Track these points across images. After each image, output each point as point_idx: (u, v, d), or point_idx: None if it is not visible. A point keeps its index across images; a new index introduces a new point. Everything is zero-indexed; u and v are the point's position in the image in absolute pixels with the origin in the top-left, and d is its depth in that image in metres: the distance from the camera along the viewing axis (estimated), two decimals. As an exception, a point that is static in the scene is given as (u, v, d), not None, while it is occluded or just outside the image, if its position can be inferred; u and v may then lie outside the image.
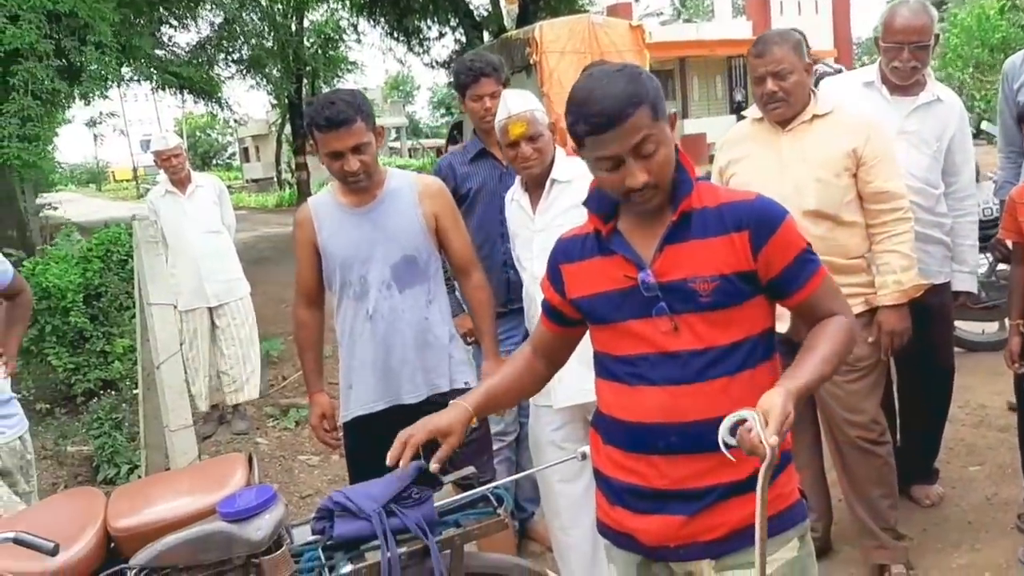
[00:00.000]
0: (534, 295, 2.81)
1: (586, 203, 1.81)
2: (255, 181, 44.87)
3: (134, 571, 1.98)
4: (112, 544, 2.27)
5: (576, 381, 2.66)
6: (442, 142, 19.49)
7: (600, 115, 1.58)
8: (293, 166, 32.98)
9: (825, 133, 2.97)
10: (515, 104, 2.87)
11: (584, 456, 2.27)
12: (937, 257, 3.35)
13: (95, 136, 19.21)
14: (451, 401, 1.99)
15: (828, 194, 2.93)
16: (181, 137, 6.44)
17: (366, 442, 2.88)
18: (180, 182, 5.70)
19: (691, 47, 21.33)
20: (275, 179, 40.78)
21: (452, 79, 3.72)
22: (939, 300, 3.36)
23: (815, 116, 2.99)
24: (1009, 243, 3.27)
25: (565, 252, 1.85)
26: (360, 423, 2.93)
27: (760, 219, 1.67)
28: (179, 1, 12.25)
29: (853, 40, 30.06)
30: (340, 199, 2.91)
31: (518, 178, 3.01)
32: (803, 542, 1.76)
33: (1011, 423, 3.86)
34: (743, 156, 3.12)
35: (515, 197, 3.03)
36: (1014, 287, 3.22)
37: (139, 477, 4.75)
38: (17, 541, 1.91)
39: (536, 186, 2.93)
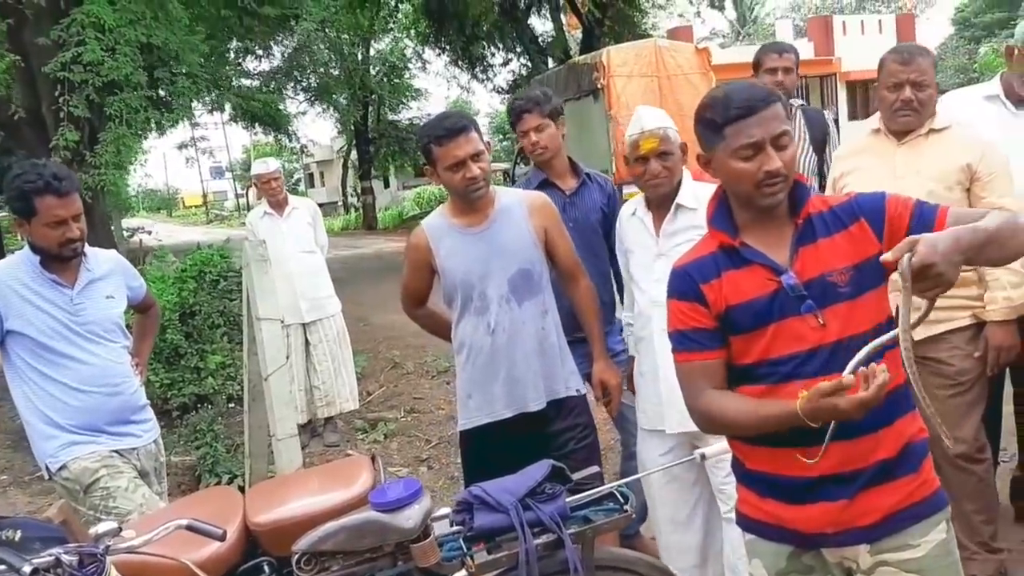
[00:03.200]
0: (651, 316, 2.89)
1: (711, 222, 1.94)
2: (320, 205, 45.60)
3: (295, 557, 2.13)
4: (251, 539, 2.44)
5: (682, 406, 2.78)
6: (506, 166, 19.72)
7: (748, 100, 1.77)
8: (359, 190, 33.61)
9: (940, 147, 3.01)
10: (649, 120, 2.92)
11: (704, 457, 2.39)
12: None
13: (187, 159, 19.92)
14: None
15: None
16: (278, 162, 6.70)
17: (485, 450, 3.03)
18: (278, 204, 5.96)
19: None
20: (340, 203, 41.54)
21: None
22: None
23: (931, 130, 3.04)
24: None
25: (700, 273, 1.90)
26: (478, 432, 3.06)
27: (868, 207, 1.87)
28: (260, 34, 12.65)
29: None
30: (453, 220, 3.05)
31: (640, 195, 3.05)
32: (949, 525, 1.88)
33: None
34: (857, 168, 3.18)
35: (637, 212, 3.05)
36: None
37: (239, 486, 4.95)
38: (190, 528, 2.07)
39: (659, 206, 2.96)
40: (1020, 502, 3.65)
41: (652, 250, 2.96)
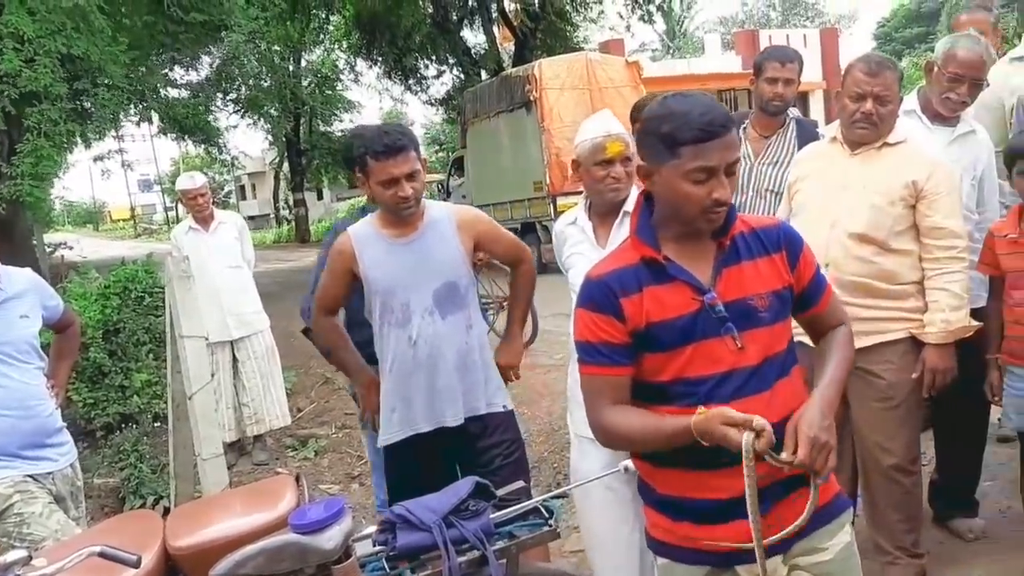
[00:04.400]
0: None
1: (637, 233, 1.88)
2: (251, 218, 45.04)
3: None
4: (171, 564, 2.38)
5: None
6: (440, 177, 19.71)
7: (712, 124, 1.70)
8: (291, 202, 33.21)
9: (890, 162, 3.01)
10: (615, 124, 2.87)
11: (627, 470, 2.40)
12: (975, 282, 3.27)
13: (103, 171, 19.38)
14: None
15: (878, 220, 2.98)
16: (206, 176, 6.59)
17: (406, 464, 3.02)
18: (204, 220, 5.85)
19: (684, 82, 21.58)
20: (272, 216, 41.00)
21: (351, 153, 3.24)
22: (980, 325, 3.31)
23: (885, 144, 3.04)
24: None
25: (621, 285, 1.83)
26: (400, 446, 3.04)
27: (790, 240, 1.90)
28: (186, 43, 12.41)
29: (841, 73, 30.44)
30: (382, 230, 3.03)
31: (581, 203, 3.02)
32: (852, 527, 1.95)
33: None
34: (810, 174, 3.19)
35: (578, 221, 2.98)
36: (991, 321, 3.22)
37: (164, 508, 4.84)
38: (102, 555, 2.01)
39: (605, 214, 2.90)
40: (937, 504, 3.76)
41: (595, 259, 2.89)
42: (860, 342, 2.69)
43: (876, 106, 2.95)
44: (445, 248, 3.02)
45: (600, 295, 1.85)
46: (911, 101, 3.47)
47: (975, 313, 3.15)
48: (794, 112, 4.01)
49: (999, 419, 3.50)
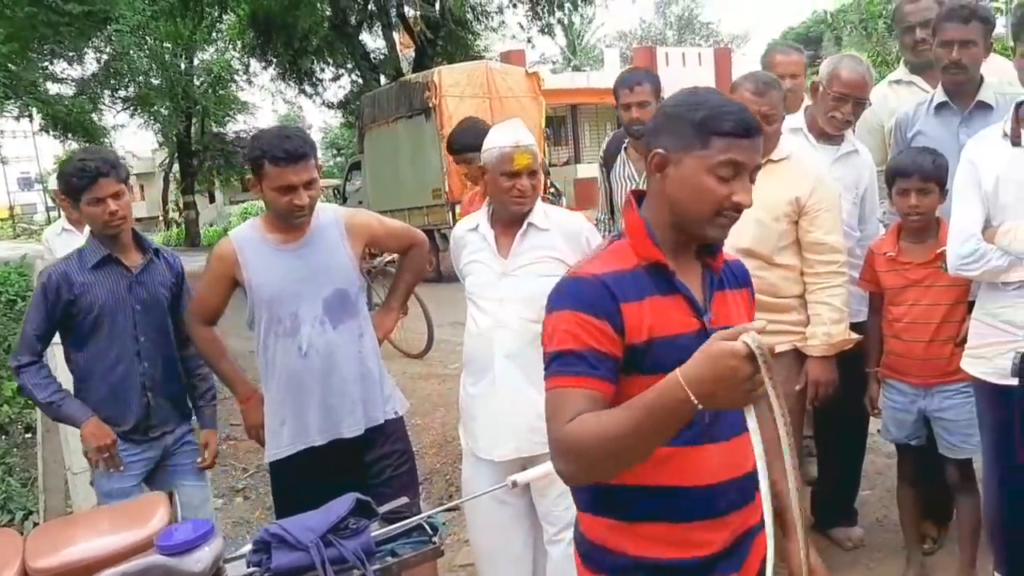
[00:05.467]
0: (491, 338, 2.78)
1: (644, 234, 1.64)
2: (139, 220, 43.44)
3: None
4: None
5: (519, 433, 2.73)
6: (337, 182, 19.39)
7: (749, 122, 1.57)
8: (181, 205, 32.22)
9: (774, 178, 3.04)
10: (525, 135, 2.80)
11: (515, 484, 2.36)
12: (856, 297, 3.39)
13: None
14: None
15: (763, 236, 3.04)
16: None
17: (296, 479, 2.90)
18: (78, 220, 5.54)
19: (583, 95, 21.92)
20: (161, 219, 39.68)
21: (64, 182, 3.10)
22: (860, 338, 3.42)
23: (769, 161, 3.08)
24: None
25: (621, 289, 1.57)
26: (289, 461, 2.93)
27: (748, 278, 1.85)
28: (68, 35, 11.88)
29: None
30: (268, 235, 2.91)
31: (483, 209, 2.95)
32: None
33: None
34: None
35: (480, 228, 2.89)
36: (871, 336, 3.33)
37: (34, 524, 4.56)
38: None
39: (507, 224, 2.84)
40: (819, 513, 3.85)
41: (496, 269, 2.83)
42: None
43: (763, 125, 3.00)
44: (334, 254, 2.93)
45: (597, 296, 1.55)
46: (798, 120, 3.57)
47: (855, 327, 3.25)
48: None
49: (878, 431, 3.62)
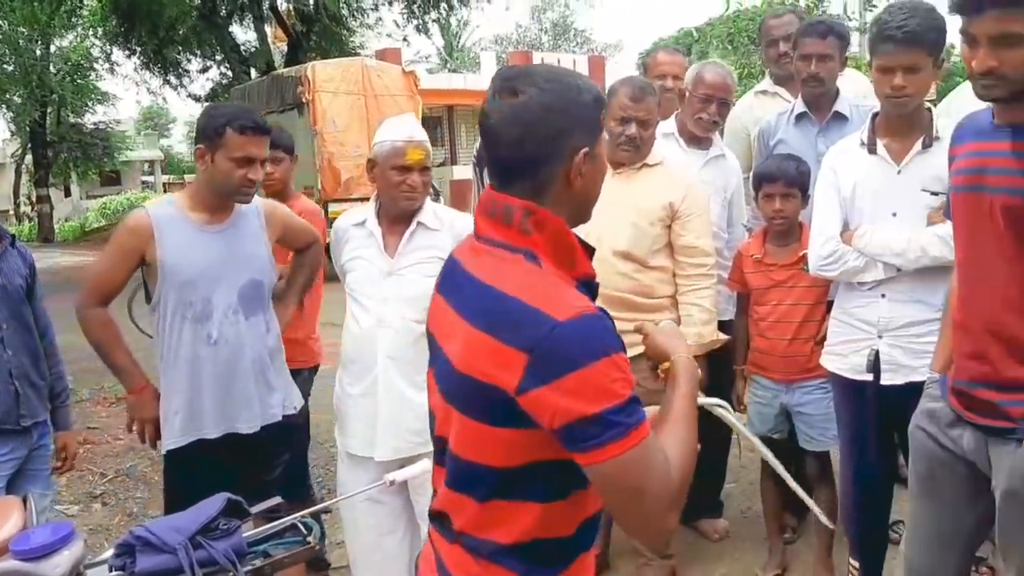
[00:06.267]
0: (374, 336, 2.74)
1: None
2: (-13, 214, 40.89)
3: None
4: None
5: (399, 434, 2.72)
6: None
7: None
8: (34, 199, 30.46)
9: (649, 183, 3.17)
10: (418, 130, 2.77)
11: (392, 483, 2.33)
12: (724, 296, 3.56)
13: None
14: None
15: (639, 239, 3.13)
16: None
17: (190, 474, 2.79)
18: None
19: (459, 96, 21.94)
20: (12, 212, 37.38)
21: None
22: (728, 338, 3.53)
23: (644, 165, 3.19)
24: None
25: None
26: (181, 453, 2.82)
27: None
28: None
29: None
30: (189, 214, 2.80)
31: (371, 205, 2.88)
32: None
33: (758, 444, 4.28)
34: None
35: (367, 223, 2.83)
36: (738, 334, 3.49)
37: None
38: None
39: (395, 222, 2.79)
40: (688, 506, 3.95)
41: (381, 267, 2.78)
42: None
43: (639, 130, 3.12)
44: (255, 243, 2.86)
45: (611, 328, 1.36)
46: (670, 125, 3.68)
47: (722, 326, 3.38)
48: None
49: (744, 424, 3.76)
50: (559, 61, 29.49)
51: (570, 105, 1.41)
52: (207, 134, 2.72)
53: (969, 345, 2.14)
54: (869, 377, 2.81)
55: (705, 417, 3.80)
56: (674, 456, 1.36)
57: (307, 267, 3.25)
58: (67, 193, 38.48)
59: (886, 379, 2.78)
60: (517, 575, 1.42)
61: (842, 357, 2.92)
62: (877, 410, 2.84)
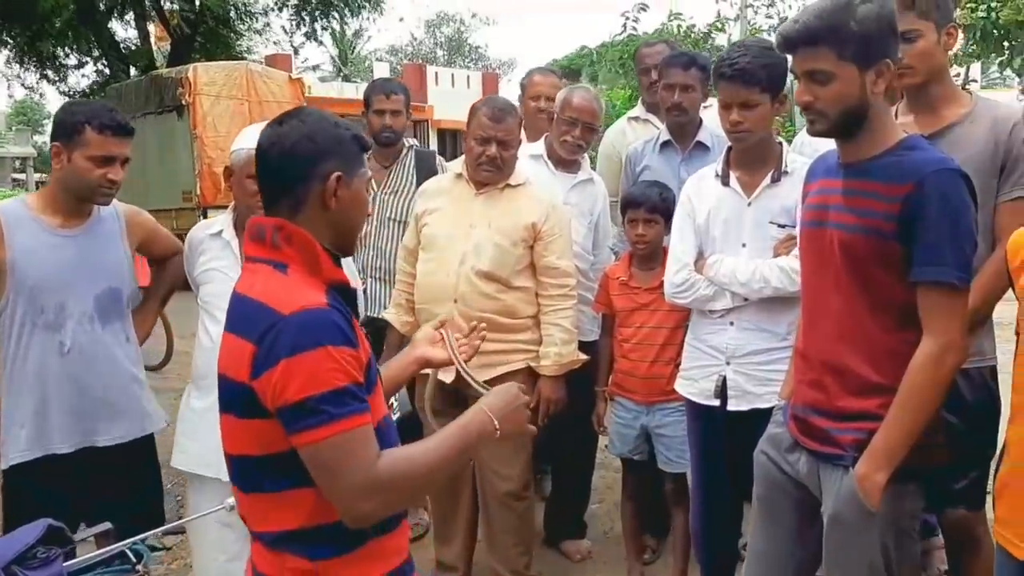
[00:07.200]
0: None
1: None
2: None
3: None
4: None
5: None
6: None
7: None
8: None
9: (512, 204, 3.18)
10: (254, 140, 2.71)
11: (232, 508, 2.25)
12: (589, 317, 3.61)
13: None
14: None
15: (502, 259, 3.13)
16: None
17: (37, 494, 2.61)
18: None
19: (350, 105, 21.57)
20: None
21: None
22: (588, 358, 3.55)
23: (507, 185, 3.21)
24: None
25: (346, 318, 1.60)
26: (28, 469, 2.66)
27: None
28: None
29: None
30: (40, 215, 2.68)
31: (228, 214, 2.84)
32: None
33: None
34: (438, 208, 3.26)
35: (224, 233, 2.80)
36: (601, 355, 3.53)
37: None
38: None
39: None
40: (550, 527, 3.99)
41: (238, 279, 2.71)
42: (487, 373, 2.81)
43: (500, 150, 3.14)
44: (113, 249, 2.77)
45: (337, 324, 1.52)
46: (539, 147, 3.72)
47: (583, 347, 3.41)
48: (411, 141, 4.20)
49: (606, 446, 3.81)
50: (453, 76, 29.62)
51: (325, 135, 1.62)
52: (64, 132, 2.65)
53: (807, 373, 2.23)
54: (717, 402, 2.88)
55: (574, 441, 3.86)
56: (412, 460, 1.55)
57: (170, 276, 3.15)
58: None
59: (732, 405, 2.86)
60: (305, 558, 1.55)
61: (693, 382, 2.99)
62: (726, 435, 2.91)
